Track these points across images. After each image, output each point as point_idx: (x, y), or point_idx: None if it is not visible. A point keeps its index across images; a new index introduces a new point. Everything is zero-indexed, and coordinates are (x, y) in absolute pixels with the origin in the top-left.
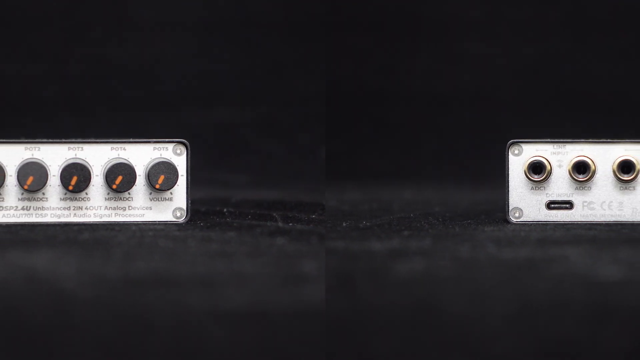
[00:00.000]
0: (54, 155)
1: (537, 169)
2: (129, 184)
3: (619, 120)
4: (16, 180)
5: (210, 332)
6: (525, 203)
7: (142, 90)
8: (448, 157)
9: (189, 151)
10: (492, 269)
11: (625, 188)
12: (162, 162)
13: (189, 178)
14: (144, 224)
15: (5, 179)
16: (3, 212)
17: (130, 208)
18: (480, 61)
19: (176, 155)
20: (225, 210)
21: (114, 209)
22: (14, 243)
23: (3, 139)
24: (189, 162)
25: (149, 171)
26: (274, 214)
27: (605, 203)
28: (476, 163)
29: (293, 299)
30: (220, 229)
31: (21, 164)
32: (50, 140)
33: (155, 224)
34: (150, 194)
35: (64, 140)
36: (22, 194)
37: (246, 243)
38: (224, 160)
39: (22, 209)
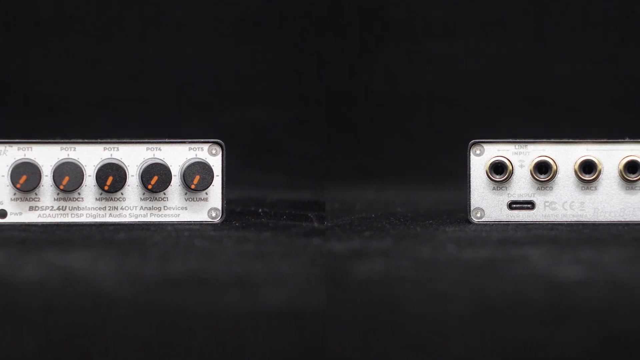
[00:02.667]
0: (90, 156)
1: (498, 169)
2: (165, 184)
3: (582, 120)
4: (52, 181)
5: (247, 332)
6: (487, 203)
7: (176, 90)
8: (411, 157)
9: (225, 151)
10: (452, 269)
11: (587, 188)
12: (198, 162)
13: (225, 178)
14: (180, 224)
15: (41, 179)
16: (39, 212)
17: (165, 208)
18: (443, 61)
19: (212, 155)
20: (260, 210)
21: (150, 209)
22: (50, 243)
23: (38, 139)
24: (224, 162)
25: (185, 171)
26: (309, 214)
27: (566, 203)
28: (439, 163)
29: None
30: (256, 229)
31: (57, 164)
32: (86, 140)
33: (191, 224)
34: (186, 194)
35: (99, 140)
36: (58, 194)
37: (282, 243)
38: (259, 161)
39: (58, 209)
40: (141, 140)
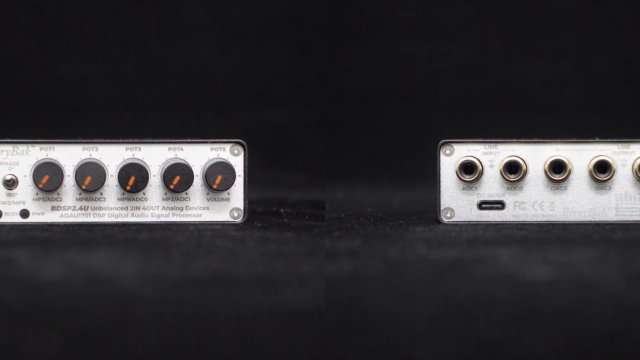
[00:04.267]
0: (112, 156)
1: (468, 169)
2: (187, 184)
3: (551, 120)
4: (74, 181)
5: (270, 332)
6: (457, 203)
7: (198, 90)
8: (382, 157)
9: (247, 151)
10: (421, 269)
11: (557, 188)
12: (220, 162)
13: (247, 178)
14: (202, 224)
15: (64, 179)
16: (61, 211)
17: (187, 208)
18: (415, 61)
19: (234, 155)
20: (282, 210)
21: (172, 209)
22: (72, 243)
23: (61, 139)
24: (246, 162)
25: (207, 171)
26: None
27: (536, 203)
28: (410, 163)
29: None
30: (278, 229)
31: (79, 164)
32: (108, 140)
33: (213, 224)
34: (208, 194)
35: (121, 140)
36: (80, 194)
37: (304, 243)
38: (281, 161)
39: (80, 209)
40: (163, 141)
